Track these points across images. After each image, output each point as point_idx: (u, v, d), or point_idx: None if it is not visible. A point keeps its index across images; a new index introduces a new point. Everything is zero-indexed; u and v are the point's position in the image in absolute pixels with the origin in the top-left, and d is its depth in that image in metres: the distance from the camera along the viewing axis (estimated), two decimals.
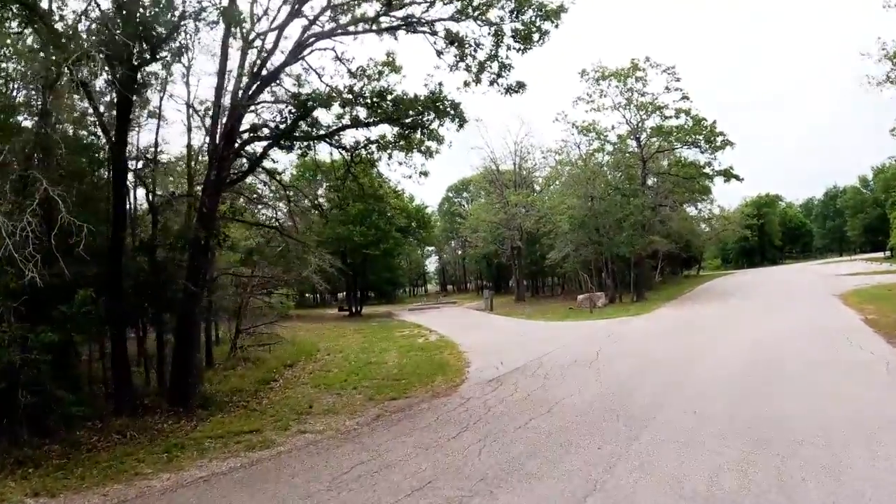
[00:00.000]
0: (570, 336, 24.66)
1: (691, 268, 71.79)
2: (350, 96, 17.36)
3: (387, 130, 18.72)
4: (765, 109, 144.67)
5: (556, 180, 51.13)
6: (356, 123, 17.96)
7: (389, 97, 17.48)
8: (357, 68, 17.89)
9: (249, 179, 23.18)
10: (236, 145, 17.23)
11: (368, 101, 17.67)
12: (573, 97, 44.56)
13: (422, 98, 17.38)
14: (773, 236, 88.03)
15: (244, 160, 18.53)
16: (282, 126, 17.43)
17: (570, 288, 57.98)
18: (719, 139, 42.13)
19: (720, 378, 14.02)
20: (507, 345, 23.56)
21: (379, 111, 17.60)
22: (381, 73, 17.95)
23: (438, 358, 21.85)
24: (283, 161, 57.70)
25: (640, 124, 43.24)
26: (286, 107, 17.39)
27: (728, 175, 43.23)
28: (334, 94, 17.16)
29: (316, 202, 55.09)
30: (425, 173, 19.80)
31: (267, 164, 20.25)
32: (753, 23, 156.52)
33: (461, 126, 17.87)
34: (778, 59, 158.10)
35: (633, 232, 41.20)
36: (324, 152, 20.97)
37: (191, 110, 19.14)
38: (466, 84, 17.48)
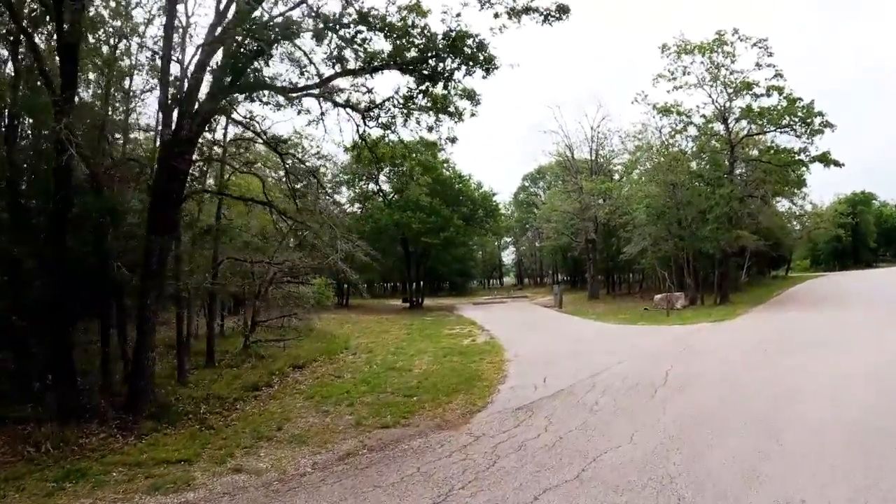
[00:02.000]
0: (639, 346, 20.15)
1: (779, 268, 65.19)
2: (327, 25, 13.49)
3: (397, 83, 15.06)
4: (850, 97, 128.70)
5: (634, 168, 45.76)
6: (345, 70, 14.24)
7: (396, 26, 13.55)
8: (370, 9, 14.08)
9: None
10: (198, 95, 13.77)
11: (356, 34, 13.81)
12: (654, 75, 38.57)
13: (440, 35, 13.51)
14: (867, 237, 79.62)
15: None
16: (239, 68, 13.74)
17: (649, 285, 52.83)
18: (817, 121, 35.99)
19: (836, 431, 9.43)
20: (561, 353, 19.42)
21: (383, 56, 13.85)
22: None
23: (474, 368, 17.96)
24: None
25: (727, 104, 37.65)
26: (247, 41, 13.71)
27: (826, 160, 36.77)
28: (309, 21, 13.35)
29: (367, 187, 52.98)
30: (453, 139, 16.19)
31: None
32: None
33: (488, 72, 13.94)
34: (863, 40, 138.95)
35: (717, 225, 35.76)
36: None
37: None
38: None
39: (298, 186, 19.76)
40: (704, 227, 36.43)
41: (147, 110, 33.53)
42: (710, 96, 37.72)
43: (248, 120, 17.65)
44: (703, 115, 38.06)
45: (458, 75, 14.27)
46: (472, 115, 16.19)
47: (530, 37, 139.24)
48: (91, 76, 16.43)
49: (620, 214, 45.32)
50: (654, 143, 40.40)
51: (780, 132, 37.19)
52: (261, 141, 17.80)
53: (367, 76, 14.72)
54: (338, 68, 14.16)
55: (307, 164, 19.71)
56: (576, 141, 54.70)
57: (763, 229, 41.95)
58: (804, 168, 38.23)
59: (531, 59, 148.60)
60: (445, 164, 49.60)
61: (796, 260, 77.51)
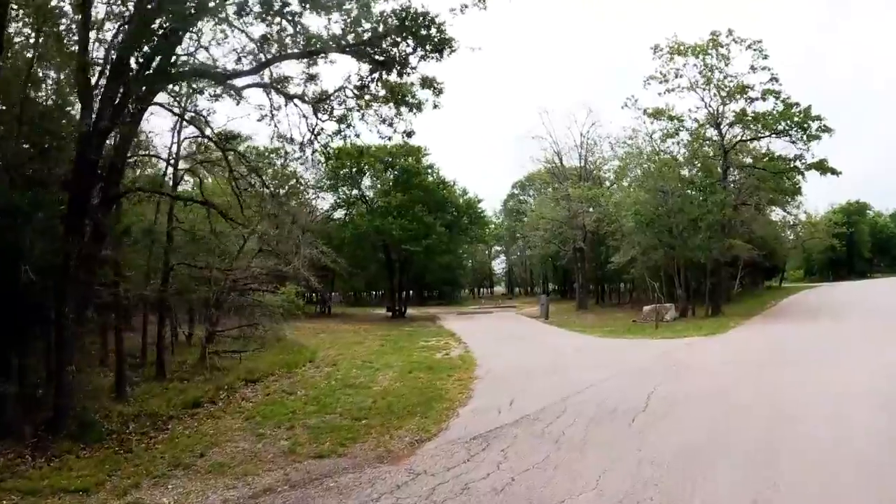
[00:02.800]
0: (622, 362, 18.53)
1: (772, 278, 63.89)
2: None
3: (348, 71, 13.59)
4: (845, 104, 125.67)
5: (624, 175, 44.06)
6: (285, 54, 12.77)
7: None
8: None
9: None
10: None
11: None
12: (645, 77, 37.11)
13: (389, 13, 12.04)
14: (862, 247, 78.53)
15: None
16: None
17: (640, 296, 51.33)
18: (815, 125, 34.58)
19: (843, 467, 7.91)
20: (536, 370, 17.84)
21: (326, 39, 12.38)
22: None
23: (439, 386, 16.38)
24: None
25: (720, 108, 36.24)
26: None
27: (823, 168, 35.41)
28: None
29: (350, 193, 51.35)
30: (409, 133, 14.68)
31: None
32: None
33: (441, 53, 12.47)
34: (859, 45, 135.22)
35: (710, 234, 34.25)
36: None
37: None
38: None
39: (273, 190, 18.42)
40: (696, 236, 34.89)
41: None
42: (702, 100, 36.43)
43: (194, 115, 16.25)
44: (696, 119, 36.73)
45: (413, 61, 12.77)
46: (435, 106, 14.77)
47: (523, 44, 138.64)
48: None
49: (609, 222, 43.83)
50: (645, 148, 38.92)
51: (776, 137, 35.86)
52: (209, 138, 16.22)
53: (311, 61, 13.18)
54: (274, 51, 12.58)
55: (255, 162, 17.84)
56: (564, 147, 53.35)
57: (756, 238, 40.55)
58: (800, 176, 36.84)
59: (522, 67, 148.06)
60: (429, 171, 48.17)
61: (790, 270, 76.39)
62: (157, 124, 73.43)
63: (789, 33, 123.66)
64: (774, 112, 34.81)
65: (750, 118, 35.33)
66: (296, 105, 14.18)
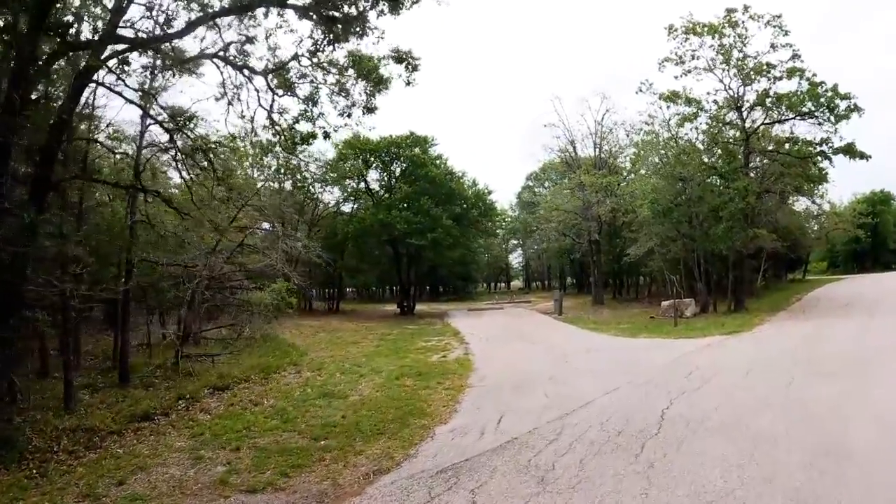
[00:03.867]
0: (635, 367, 16.26)
1: (795, 271, 61.11)
2: None
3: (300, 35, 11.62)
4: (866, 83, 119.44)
5: (640, 163, 41.37)
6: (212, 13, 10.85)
7: None
8: None
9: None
10: None
11: None
12: (660, 59, 34.63)
13: None
14: (887, 238, 75.13)
15: None
16: None
17: (658, 290, 48.99)
18: (843, 105, 31.81)
19: None
20: (537, 377, 15.79)
21: None
22: None
23: (423, 396, 14.42)
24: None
25: (741, 90, 33.72)
26: None
27: (851, 152, 32.37)
28: None
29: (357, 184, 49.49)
30: (371, 109, 12.62)
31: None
32: None
33: (397, 4, 10.52)
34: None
35: (732, 224, 31.82)
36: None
37: None
38: None
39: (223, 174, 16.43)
40: (717, 226, 32.49)
41: None
42: (721, 81, 33.83)
43: (143, 93, 14.34)
44: (716, 101, 34.20)
45: (373, 17, 10.77)
46: (408, 83, 12.78)
47: (533, 29, 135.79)
48: None
49: (625, 212, 41.51)
50: (662, 134, 36.42)
51: (801, 120, 33.17)
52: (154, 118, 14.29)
53: (251, 22, 11.21)
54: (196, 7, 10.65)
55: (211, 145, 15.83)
56: (578, 135, 51.12)
57: (781, 229, 38.03)
58: (827, 161, 34.12)
59: (533, 53, 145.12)
60: (437, 161, 46.09)
61: (813, 262, 73.29)
62: None
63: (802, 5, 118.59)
64: (799, 92, 32.23)
65: (773, 99, 32.78)
66: (245, 76, 12.25)
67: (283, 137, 13.77)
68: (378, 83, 12.28)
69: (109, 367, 18.81)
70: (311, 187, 50.77)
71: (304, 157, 50.45)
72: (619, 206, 42.62)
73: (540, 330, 30.18)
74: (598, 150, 50.16)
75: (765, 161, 35.36)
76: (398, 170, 47.23)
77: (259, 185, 26.33)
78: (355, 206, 50.61)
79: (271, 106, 12.99)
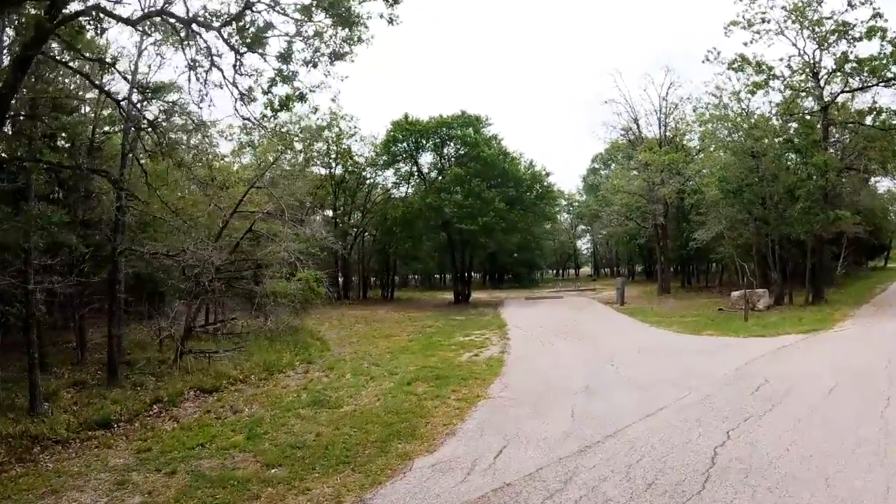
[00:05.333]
0: (690, 377, 13.32)
1: (875, 258, 55.80)
2: None
3: None
4: None
5: (712, 138, 37.32)
6: None
7: None
8: None
9: None
10: None
11: None
12: (726, 23, 31.04)
13: None
14: None
15: None
16: None
17: (729, 278, 45.26)
18: None
19: None
20: (569, 388, 13.15)
21: None
22: None
23: (426, 409, 12.04)
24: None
25: (817, 54, 29.82)
26: None
27: None
28: None
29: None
30: (340, 55, 10.41)
31: None
32: None
33: None
34: None
35: (810, 204, 28.19)
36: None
37: None
38: None
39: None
40: (793, 208, 28.93)
41: None
42: (794, 45, 30.02)
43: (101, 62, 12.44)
44: (789, 66, 30.37)
45: None
46: (391, 21, 10.41)
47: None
48: None
49: (691, 193, 37.98)
50: (732, 106, 32.70)
51: (886, 87, 29.05)
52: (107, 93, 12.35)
53: None
54: None
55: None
56: (641, 112, 47.53)
57: (865, 211, 33.95)
58: None
59: (597, 29, 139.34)
60: (490, 142, 43.36)
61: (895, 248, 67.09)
62: None
63: None
64: (882, 55, 28.15)
65: (854, 63, 28.77)
66: (194, 31, 10.10)
67: (246, 101, 11.53)
68: (347, 22, 9.99)
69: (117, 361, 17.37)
70: (362, 171, 49.16)
71: (356, 139, 49.19)
72: (685, 187, 39.08)
73: (593, 323, 27.34)
74: (662, 127, 46.44)
75: (846, 134, 31.38)
76: (449, 151, 44.86)
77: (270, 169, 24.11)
78: (408, 190, 48.66)
79: (235, 68, 10.86)
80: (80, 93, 17.35)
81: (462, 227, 38.96)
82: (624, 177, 46.44)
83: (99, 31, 10.64)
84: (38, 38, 10.29)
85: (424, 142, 44.94)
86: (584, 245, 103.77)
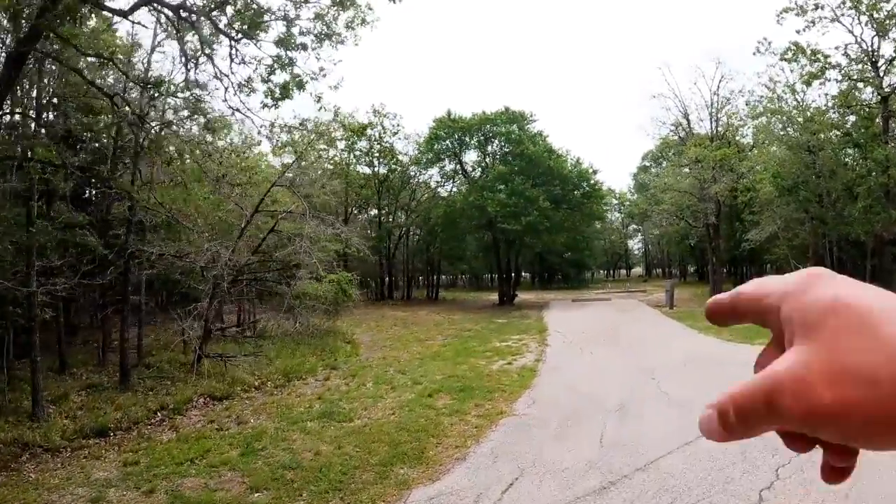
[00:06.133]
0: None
1: None
2: None
3: None
4: None
5: (763, 134, 35.13)
6: None
7: None
8: None
9: None
10: None
11: None
12: (778, 10, 29.12)
13: None
14: None
15: None
16: None
17: None
18: None
19: None
20: (601, 406, 11.89)
21: None
22: None
23: (441, 427, 10.96)
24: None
25: (874, 41, 27.65)
26: None
27: None
28: None
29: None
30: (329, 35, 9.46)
31: None
32: None
33: None
34: None
35: (871, 202, 26.18)
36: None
37: None
38: None
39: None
40: (852, 206, 26.94)
41: None
42: (850, 32, 27.95)
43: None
44: (847, 54, 28.34)
45: None
46: None
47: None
48: None
49: (744, 190, 35.93)
50: (787, 99, 30.65)
51: None
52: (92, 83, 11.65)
53: None
54: None
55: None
56: (692, 106, 45.59)
57: None
58: None
59: (645, 21, 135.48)
60: (535, 139, 41.89)
61: None
62: None
63: None
64: None
65: None
66: (182, 17, 9.26)
67: (245, 90, 10.67)
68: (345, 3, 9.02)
69: (134, 364, 16.89)
70: (406, 170, 48.34)
71: (400, 137, 48.48)
72: (738, 184, 37.02)
73: (639, 329, 25.82)
74: (714, 122, 44.27)
75: None
76: (493, 149, 43.67)
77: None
78: (453, 188, 47.66)
79: (231, 57, 10.02)
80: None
81: (505, 226, 37.65)
82: (674, 174, 44.44)
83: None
84: (32, 34, 9.71)
85: (468, 139, 43.85)
86: (635, 245, 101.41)
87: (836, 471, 0.51)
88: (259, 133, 17.20)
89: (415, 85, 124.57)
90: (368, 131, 46.27)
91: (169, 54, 37.09)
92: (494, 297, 46.88)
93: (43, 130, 15.83)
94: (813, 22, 28.21)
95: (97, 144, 18.38)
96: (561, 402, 12.45)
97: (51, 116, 17.22)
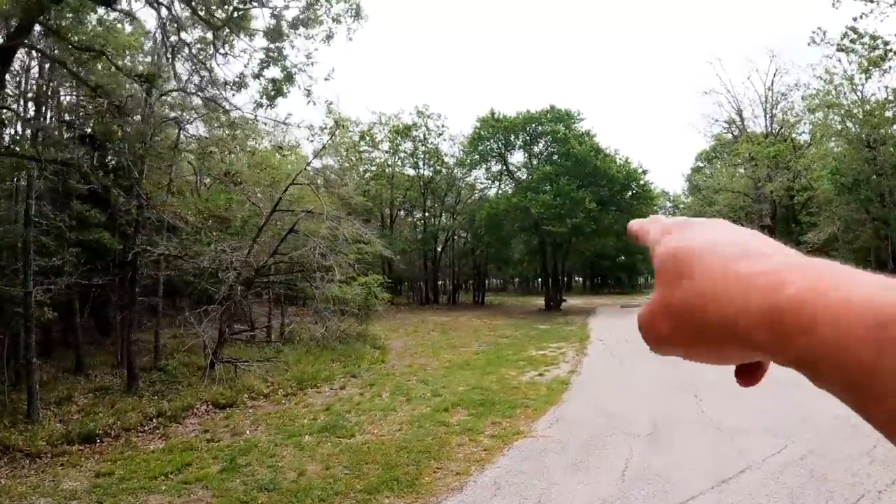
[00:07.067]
0: (790, 421, 10.50)
1: None
2: None
3: None
4: None
5: (821, 129, 32.52)
6: None
7: None
8: None
9: None
10: None
11: None
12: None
13: None
14: None
15: None
16: None
17: None
18: None
19: None
20: (630, 429, 10.49)
21: None
22: None
23: (447, 449, 9.69)
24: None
25: None
26: None
27: None
28: None
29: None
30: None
31: None
32: None
33: None
34: None
35: None
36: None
37: None
38: None
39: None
40: None
41: None
42: None
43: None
44: None
45: None
46: None
47: None
48: None
49: (800, 189, 33.66)
50: (845, 91, 28.34)
51: None
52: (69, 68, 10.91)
53: None
54: None
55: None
56: (745, 102, 43.37)
57: None
58: None
59: (705, 18, 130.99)
60: (582, 138, 40.16)
61: None
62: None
63: None
64: None
65: None
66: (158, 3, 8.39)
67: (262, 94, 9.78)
68: None
69: (149, 367, 16.38)
70: (452, 171, 47.39)
71: (445, 138, 47.60)
72: (794, 184, 34.73)
73: None
74: (769, 119, 41.86)
75: None
76: (539, 149, 42.28)
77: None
78: (498, 190, 46.45)
79: (214, 46, 9.15)
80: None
81: (550, 228, 36.22)
82: (728, 174, 42.29)
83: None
84: (22, 27, 9.06)
85: (513, 139, 42.64)
86: None
87: (744, 378, 0.57)
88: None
89: (460, 85, 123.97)
90: (413, 132, 45.60)
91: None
92: (542, 302, 45.50)
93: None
94: (870, 5, 25.99)
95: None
96: (587, 421, 11.14)
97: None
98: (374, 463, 8.97)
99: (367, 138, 45.88)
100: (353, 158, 44.57)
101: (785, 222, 41.13)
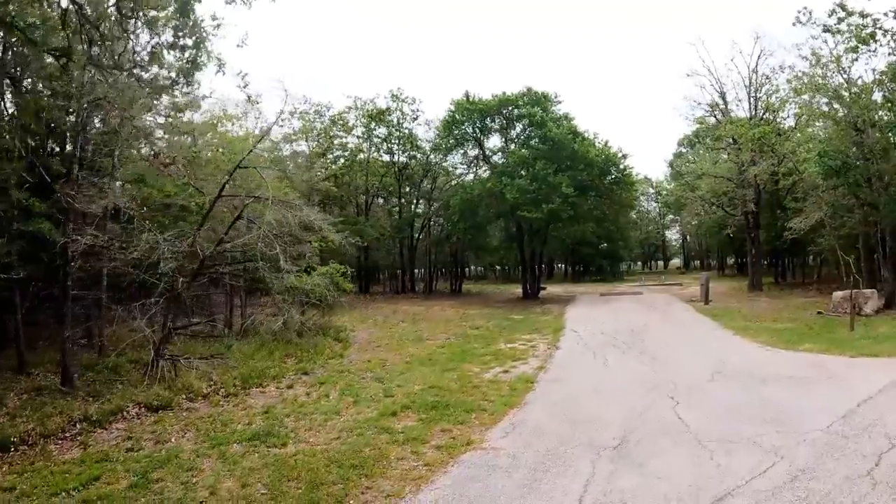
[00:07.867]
0: (773, 427, 9.44)
1: None
2: None
3: None
4: None
5: (806, 111, 31.59)
6: None
7: None
8: None
9: None
10: None
11: None
12: None
13: None
14: None
15: None
16: None
17: (830, 273, 39.77)
18: None
19: None
20: (597, 439, 9.66)
21: None
22: None
23: (383, 465, 8.75)
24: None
25: None
26: None
27: None
28: None
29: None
30: None
31: None
32: None
33: None
34: None
35: None
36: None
37: None
38: None
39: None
40: None
41: None
42: None
43: None
44: None
45: None
46: None
47: None
48: None
49: (785, 174, 32.88)
50: (831, 75, 27.51)
51: None
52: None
53: None
54: None
55: None
56: (729, 85, 42.51)
57: None
58: None
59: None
60: (560, 121, 39.01)
61: None
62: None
63: None
64: None
65: None
66: None
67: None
68: None
69: (93, 364, 15.53)
70: (427, 157, 46.31)
71: (420, 123, 46.47)
72: (779, 168, 33.91)
73: (666, 329, 23.15)
74: (752, 102, 40.88)
75: None
76: (516, 133, 41.28)
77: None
78: (474, 176, 45.41)
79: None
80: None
81: (526, 214, 35.30)
82: (710, 158, 41.49)
83: None
84: None
85: (489, 123, 41.59)
86: (673, 236, 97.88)
87: None
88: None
89: (436, 67, 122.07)
90: (387, 117, 44.55)
91: None
92: (521, 290, 44.62)
93: None
94: None
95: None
96: (548, 429, 10.15)
97: None
98: (298, 480, 8.06)
99: (340, 123, 44.74)
100: (325, 144, 43.50)
101: (769, 209, 40.41)
